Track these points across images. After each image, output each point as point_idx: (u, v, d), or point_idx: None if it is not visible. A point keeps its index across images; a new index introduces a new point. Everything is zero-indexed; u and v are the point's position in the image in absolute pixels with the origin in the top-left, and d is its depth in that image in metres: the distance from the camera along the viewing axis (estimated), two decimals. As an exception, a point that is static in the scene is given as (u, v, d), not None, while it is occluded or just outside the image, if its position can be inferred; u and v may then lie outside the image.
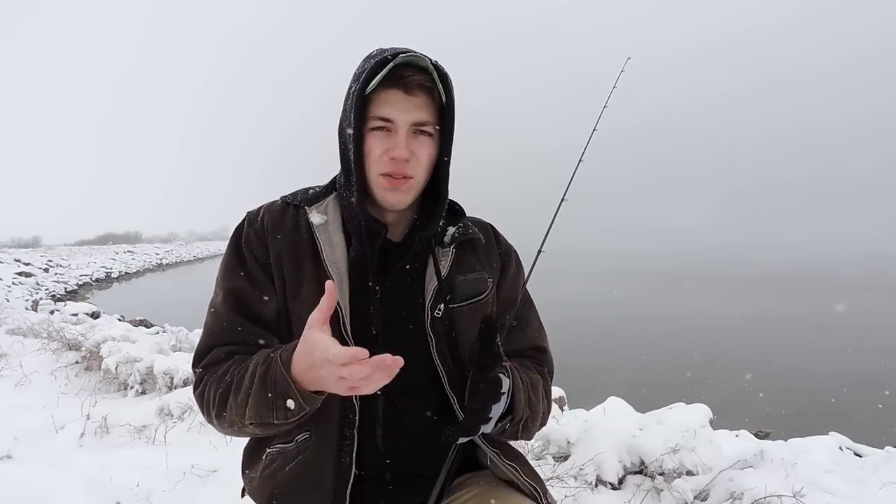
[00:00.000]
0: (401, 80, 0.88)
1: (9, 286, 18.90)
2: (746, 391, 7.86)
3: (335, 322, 0.91)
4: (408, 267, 0.99)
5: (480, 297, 1.03)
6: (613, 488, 2.51)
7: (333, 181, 1.03)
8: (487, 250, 1.09)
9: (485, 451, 1.01)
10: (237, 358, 0.91)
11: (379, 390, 0.94)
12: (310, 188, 1.03)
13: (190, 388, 3.83)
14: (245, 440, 1.04)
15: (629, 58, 1.53)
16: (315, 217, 0.97)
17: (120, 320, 9.08)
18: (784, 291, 21.13)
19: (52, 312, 11.21)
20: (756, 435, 3.64)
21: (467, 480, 1.07)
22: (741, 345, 11.26)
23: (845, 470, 2.99)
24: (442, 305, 0.98)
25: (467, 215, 1.10)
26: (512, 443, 1.08)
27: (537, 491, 1.02)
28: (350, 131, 0.90)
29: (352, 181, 0.93)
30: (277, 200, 1.02)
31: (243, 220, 1.00)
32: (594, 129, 1.37)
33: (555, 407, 3.36)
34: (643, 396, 4.70)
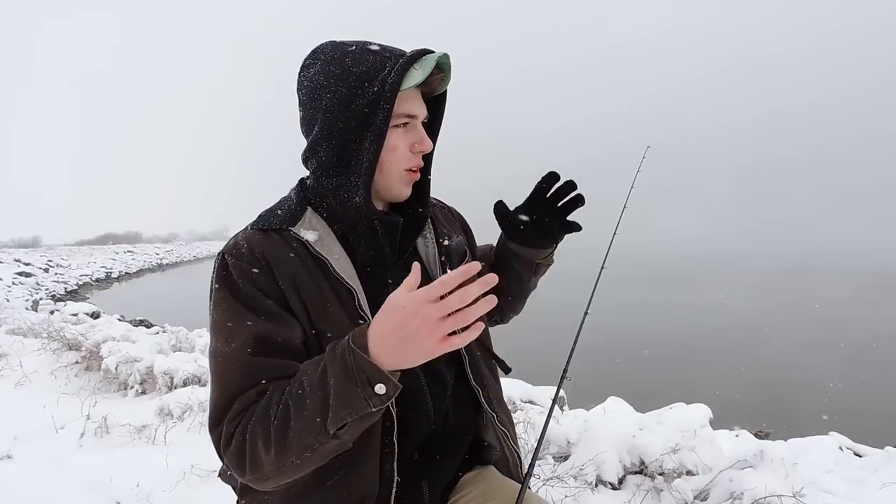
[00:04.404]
0: (427, 79, 0.90)
1: (9, 286, 18.91)
2: (746, 391, 7.87)
3: None
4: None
5: (467, 257, 1.10)
6: (613, 488, 2.51)
7: (303, 195, 0.98)
8: (445, 215, 1.16)
9: (490, 430, 1.08)
10: (274, 387, 0.82)
11: (419, 369, 0.88)
12: (275, 209, 0.97)
13: (190, 389, 3.83)
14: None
15: (649, 146, 1.62)
16: (308, 235, 0.92)
17: (120, 320, 9.07)
18: (784, 290, 21.13)
19: (52, 312, 11.20)
20: (756, 435, 3.64)
21: (473, 478, 1.09)
22: (741, 344, 11.26)
23: (845, 470, 2.98)
24: (446, 272, 1.02)
25: None
26: (505, 415, 1.14)
27: (519, 459, 1.14)
28: (373, 131, 0.87)
29: (355, 182, 0.90)
30: (248, 230, 0.93)
31: (224, 259, 0.89)
32: (624, 208, 1.50)
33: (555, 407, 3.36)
34: (643, 396, 4.71)
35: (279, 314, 0.87)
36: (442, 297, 0.70)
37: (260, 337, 0.84)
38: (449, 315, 0.70)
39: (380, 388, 0.74)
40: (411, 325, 0.71)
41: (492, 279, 0.69)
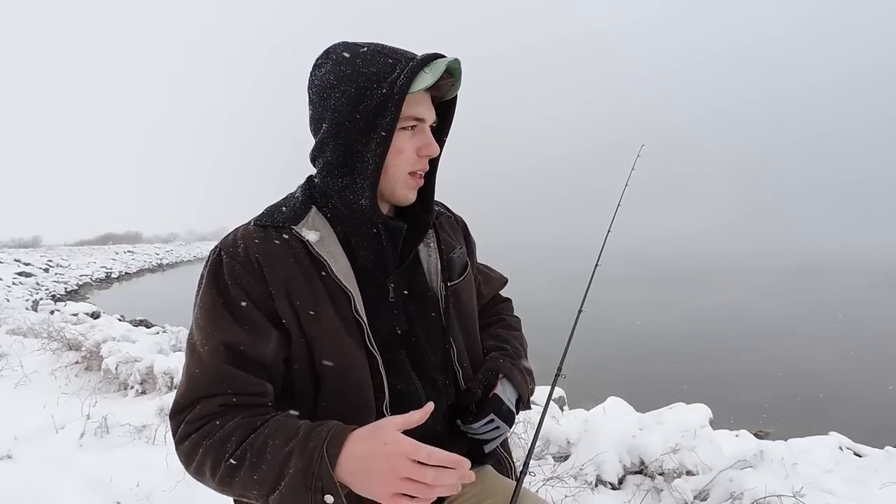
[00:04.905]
0: (436, 84, 0.89)
1: (9, 286, 18.90)
2: (746, 391, 7.87)
3: (358, 336, 0.90)
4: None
5: (467, 270, 1.10)
6: (613, 488, 2.51)
7: (309, 193, 0.97)
8: (451, 224, 1.14)
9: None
10: (239, 422, 0.82)
11: (414, 374, 0.97)
12: (280, 206, 0.96)
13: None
14: None
15: (643, 145, 1.64)
16: (309, 235, 0.91)
17: (120, 320, 9.07)
18: (785, 289, 21.12)
19: (52, 312, 11.20)
20: (756, 435, 3.64)
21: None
22: (741, 344, 11.26)
23: (845, 470, 2.99)
24: (446, 284, 1.04)
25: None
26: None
27: (512, 464, 1.16)
28: (379, 133, 0.87)
29: (361, 184, 0.90)
30: (250, 225, 0.93)
31: (219, 255, 0.89)
32: (618, 205, 1.52)
33: (555, 406, 3.36)
34: (643, 396, 4.71)
35: (261, 325, 0.87)
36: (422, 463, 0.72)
37: (235, 347, 0.85)
38: (414, 481, 0.72)
39: (328, 499, 0.75)
40: (379, 465, 0.72)
41: (469, 477, 0.73)
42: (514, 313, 1.29)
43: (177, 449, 0.86)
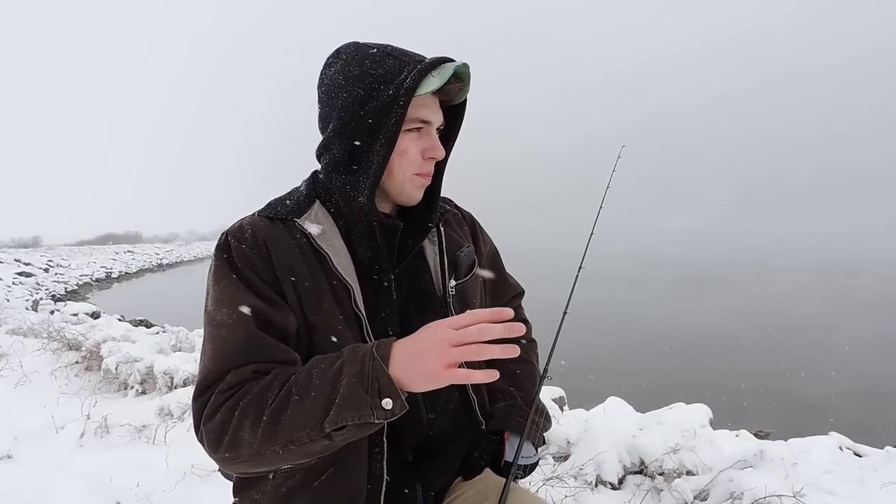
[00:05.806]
0: (444, 87, 0.90)
1: (9, 286, 18.92)
2: (746, 391, 7.87)
3: (357, 330, 0.91)
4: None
5: (475, 268, 1.09)
6: (613, 488, 2.51)
7: (313, 188, 0.98)
8: (458, 221, 1.14)
9: (483, 439, 1.09)
10: (276, 372, 0.82)
11: None
12: (284, 199, 0.98)
13: (190, 389, 3.82)
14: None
15: (623, 146, 1.67)
16: (312, 227, 0.93)
17: (120, 320, 9.07)
18: (784, 289, 21.12)
19: (52, 312, 11.21)
20: (756, 435, 3.64)
21: (467, 479, 1.09)
22: (741, 344, 11.26)
23: (845, 470, 2.99)
24: (453, 283, 1.03)
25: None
26: None
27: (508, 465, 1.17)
28: (385, 134, 0.88)
29: (362, 182, 0.91)
30: (255, 216, 0.95)
31: (226, 240, 0.91)
32: (600, 208, 1.60)
33: (555, 406, 3.36)
34: (643, 396, 4.71)
35: (277, 300, 0.88)
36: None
37: (262, 314, 0.86)
38: (463, 345, 0.72)
39: (387, 403, 0.74)
40: (427, 342, 0.74)
41: (518, 329, 0.71)
42: (530, 331, 1.24)
43: (204, 428, 0.81)
